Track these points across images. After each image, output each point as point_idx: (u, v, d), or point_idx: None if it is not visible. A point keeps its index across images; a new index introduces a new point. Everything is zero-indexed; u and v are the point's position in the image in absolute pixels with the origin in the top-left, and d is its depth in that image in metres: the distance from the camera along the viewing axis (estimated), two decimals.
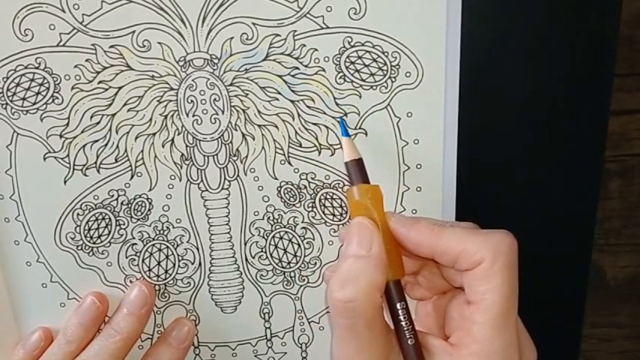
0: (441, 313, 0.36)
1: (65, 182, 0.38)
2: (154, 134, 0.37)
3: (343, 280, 0.31)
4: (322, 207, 0.39)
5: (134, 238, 0.39)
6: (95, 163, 0.38)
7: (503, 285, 0.31)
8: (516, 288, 0.32)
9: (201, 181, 0.38)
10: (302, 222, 0.39)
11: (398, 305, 0.33)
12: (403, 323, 0.32)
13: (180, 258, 0.40)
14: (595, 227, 0.46)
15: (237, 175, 0.38)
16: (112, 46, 0.35)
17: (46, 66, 0.36)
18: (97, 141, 0.37)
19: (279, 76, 0.36)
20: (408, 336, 0.32)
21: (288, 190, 0.39)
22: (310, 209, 0.39)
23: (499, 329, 0.31)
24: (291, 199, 0.39)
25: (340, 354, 0.32)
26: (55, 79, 0.36)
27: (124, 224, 0.39)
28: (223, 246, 0.40)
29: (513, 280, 0.31)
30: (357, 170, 0.35)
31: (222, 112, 0.37)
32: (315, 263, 0.40)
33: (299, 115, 0.37)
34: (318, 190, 0.39)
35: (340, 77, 0.36)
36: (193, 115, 0.37)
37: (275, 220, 0.39)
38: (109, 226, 0.39)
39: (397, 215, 0.34)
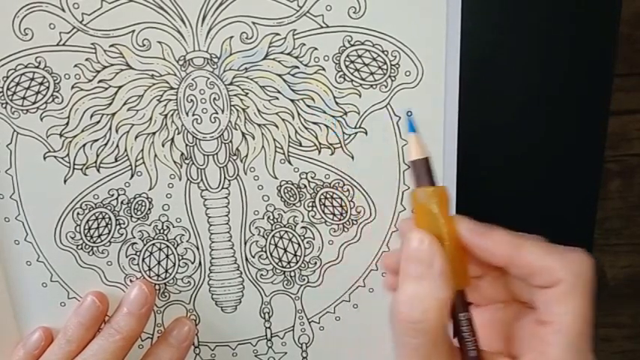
0: (498, 326, 0.34)
1: (65, 181, 0.38)
2: (154, 133, 0.37)
3: (410, 300, 0.30)
4: (322, 206, 0.39)
5: (134, 237, 0.39)
6: (95, 162, 0.38)
7: (582, 307, 0.30)
8: (592, 312, 0.30)
9: (201, 180, 0.38)
10: (302, 221, 0.39)
11: (461, 316, 0.31)
12: (466, 334, 0.31)
13: (181, 257, 0.40)
14: (595, 227, 0.46)
15: (237, 175, 0.38)
16: (111, 45, 0.36)
17: (46, 65, 0.36)
18: (96, 140, 0.37)
19: (279, 75, 0.36)
20: (471, 347, 0.31)
21: (288, 189, 0.39)
22: (310, 208, 0.39)
23: (576, 353, 0.29)
24: (291, 199, 0.39)
25: None
26: (54, 78, 0.36)
27: (124, 223, 0.39)
28: (223, 245, 0.40)
29: (590, 303, 0.30)
30: (424, 170, 0.32)
31: (222, 111, 0.37)
32: (315, 263, 0.40)
33: (299, 114, 0.37)
34: (318, 189, 0.39)
35: (340, 76, 0.36)
36: (193, 115, 0.37)
37: (275, 220, 0.39)
38: (109, 226, 0.39)
39: (468, 221, 0.32)
